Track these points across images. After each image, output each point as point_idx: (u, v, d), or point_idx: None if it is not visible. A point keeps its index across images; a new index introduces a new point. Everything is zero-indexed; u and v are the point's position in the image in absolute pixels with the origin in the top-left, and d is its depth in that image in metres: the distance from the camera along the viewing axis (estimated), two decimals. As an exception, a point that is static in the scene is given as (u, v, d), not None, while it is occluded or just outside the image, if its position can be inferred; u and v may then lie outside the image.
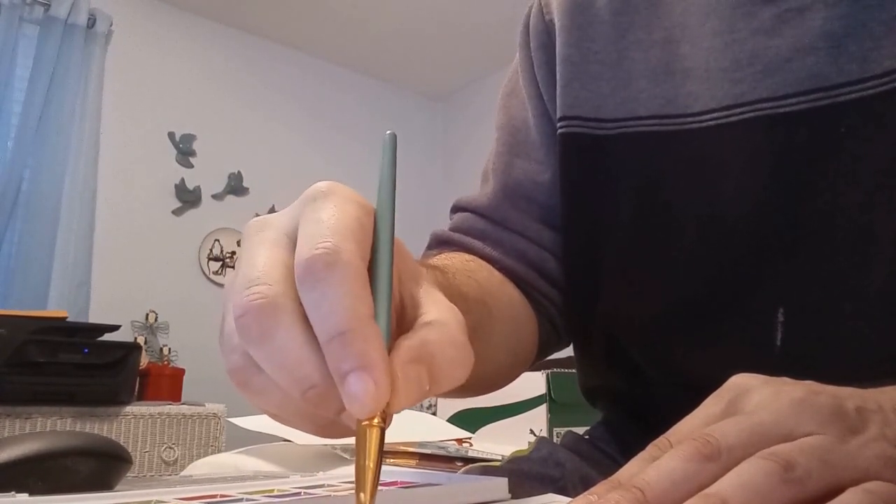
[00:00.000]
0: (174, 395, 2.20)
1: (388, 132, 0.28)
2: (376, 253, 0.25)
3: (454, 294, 0.38)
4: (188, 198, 2.81)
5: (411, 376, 0.22)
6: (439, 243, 0.55)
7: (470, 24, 2.95)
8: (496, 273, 0.51)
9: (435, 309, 0.25)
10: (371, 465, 0.22)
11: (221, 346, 0.24)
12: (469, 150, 3.30)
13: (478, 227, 0.54)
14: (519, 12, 0.59)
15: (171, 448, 1.87)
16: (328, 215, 0.24)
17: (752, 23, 0.44)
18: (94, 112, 2.57)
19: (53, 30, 2.50)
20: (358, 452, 0.22)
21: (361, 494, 0.22)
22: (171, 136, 2.81)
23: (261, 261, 0.23)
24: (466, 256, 0.51)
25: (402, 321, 0.26)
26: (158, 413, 1.88)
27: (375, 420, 0.22)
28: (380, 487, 0.31)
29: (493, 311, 0.45)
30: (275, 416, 0.25)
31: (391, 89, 3.50)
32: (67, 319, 1.93)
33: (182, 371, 2.32)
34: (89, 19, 2.59)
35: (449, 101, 3.63)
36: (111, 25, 2.68)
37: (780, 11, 0.43)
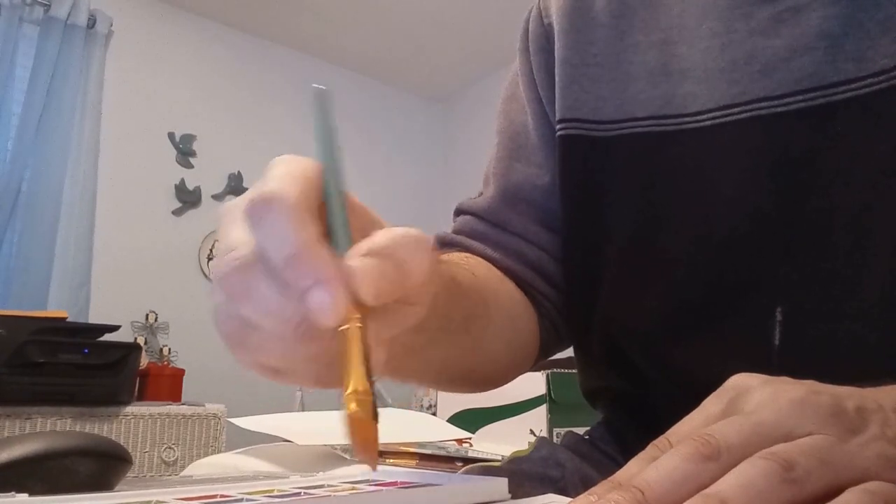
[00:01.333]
0: (174, 396, 2.20)
1: (314, 86, 0.30)
2: (328, 196, 0.27)
3: (446, 279, 0.38)
4: (188, 198, 2.81)
5: (375, 266, 0.24)
6: (442, 245, 0.55)
7: (470, 25, 2.95)
8: (495, 270, 0.51)
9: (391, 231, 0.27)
10: (356, 361, 0.23)
11: (216, 322, 0.27)
12: (469, 151, 3.30)
13: (478, 230, 0.54)
14: (519, 13, 0.59)
15: (171, 448, 1.87)
16: (274, 172, 0.26)
17: (750, 23, 0.44)
18: (94, 112, 2.57)
19: (53, 30, 2.50)
20: (346, 353, 0.24)
21: (353, 387, 0.23)
22: (171, 136, 2.81)
23: (233, 235, 0.26)
24: (466, 255, 0.52)
25: None
26: (158, 413, 1.88)
27: (354, 322, 0.24)
28: (380, 487, 0.31)
29: (490, 304, 0.45)
30: (281, 375, 0.28)
31: (391, 90, 3.50)
32: (67, 320, 1.93)
33: (182, 371, 2.32)
34: (89, 20, 2.59)
35: (449, 102, 3.63)
36: (111, 26, 2.68)
37: (776, 11, 0.43)
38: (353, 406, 0.23)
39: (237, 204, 0.27)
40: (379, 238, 0.25)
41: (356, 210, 0.28)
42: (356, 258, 0.25)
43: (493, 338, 0.46)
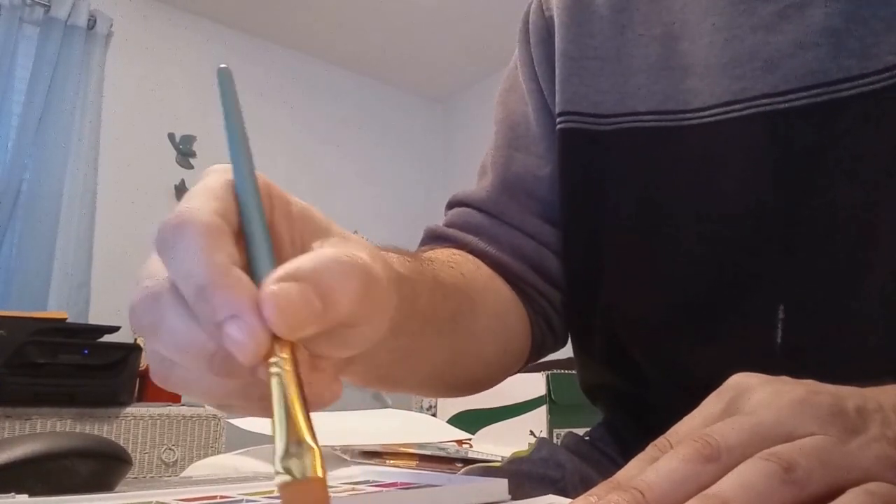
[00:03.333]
0: (174, 397, 2.20)
1: (220, 66, 0.27)
2: (241, 200, 0.24)
3: (428, 279, 0.37)
4: (188, 199, 2.81)
5: (292, 295, 0.21)
6: (432, 239, 0.54)
7: (470, 25, 2.95)
8: (484, 268, 0.50)
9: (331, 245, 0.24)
10: (295, 406, 0.20)
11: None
12: (469, 151, 3.29)
13: (474, 222, 0.53)
14: (519, 14, 0.59)
15: (171, 449, 1.87)
16: (194, 188, 0.24)
17: (753, 19, 0.44)
18: (94, 112, 2.56)
19: (54, 31, 2.49)
20: (274, 405, 0.20)
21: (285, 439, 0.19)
22: (171, 136, 2.81)
23: (150, 263, 0.24)
24: (454, 251, 0.50)
25: None
26: (158, 414, 1.87)
27: (281, 363, 0.21)
28: (380, 488, 0.31)
29: (478, 304, 0.44)
30: (220, 406, 0.26)
31: (391, 90, 3.50)
32: (67, 320, 1.93)
33: (182, 372, 2.31)
34: (89, 20, 2.59)
35: (448, 102, 3.63)
36: (111, 27, 2.67)
37: (780, 7, 0.43)
38: (285, 475, 0.18)
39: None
40: (301, 262, 0.22)
41: (296, 214, 0.25)
42: (271, 285, 0.21)
43: (482, 338, 0.45)
